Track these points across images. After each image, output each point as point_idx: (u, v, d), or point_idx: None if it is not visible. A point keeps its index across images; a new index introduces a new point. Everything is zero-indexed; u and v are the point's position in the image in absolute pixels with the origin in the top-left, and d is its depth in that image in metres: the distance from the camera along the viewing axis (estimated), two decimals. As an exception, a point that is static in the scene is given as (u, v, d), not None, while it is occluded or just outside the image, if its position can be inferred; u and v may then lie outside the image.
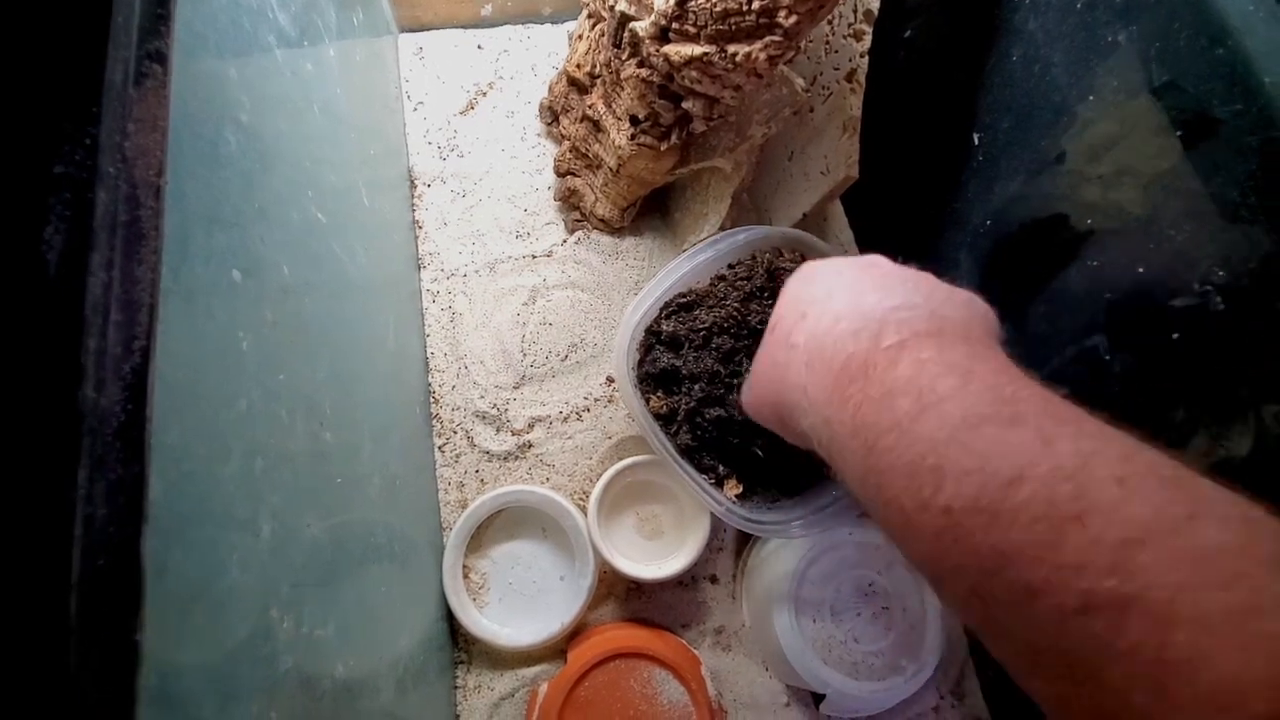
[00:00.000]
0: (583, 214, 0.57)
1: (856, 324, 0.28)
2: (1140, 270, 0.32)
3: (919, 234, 0.51)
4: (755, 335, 0.44)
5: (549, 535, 0.50)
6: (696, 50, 0.41)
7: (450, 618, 0.48)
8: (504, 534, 0.50)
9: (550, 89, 0.58)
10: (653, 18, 0.42)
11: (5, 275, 0.17)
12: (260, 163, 0.28)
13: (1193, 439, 0.32)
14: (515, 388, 0.54)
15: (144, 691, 0.16)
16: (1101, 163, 0.34)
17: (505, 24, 0.63)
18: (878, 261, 0.33)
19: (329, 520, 0.31)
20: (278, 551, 0.25)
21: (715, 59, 0.41)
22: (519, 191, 0.58)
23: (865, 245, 0.57)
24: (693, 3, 0.40)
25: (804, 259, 0.48)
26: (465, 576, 0.49)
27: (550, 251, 0.57)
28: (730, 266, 0.48)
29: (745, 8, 0.38)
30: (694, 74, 0.42)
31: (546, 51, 0.62)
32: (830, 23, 0.49)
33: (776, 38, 0.39)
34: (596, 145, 0.53)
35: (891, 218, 0.54)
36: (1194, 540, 0.18)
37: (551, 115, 0.59)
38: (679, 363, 0.46)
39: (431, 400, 0.54)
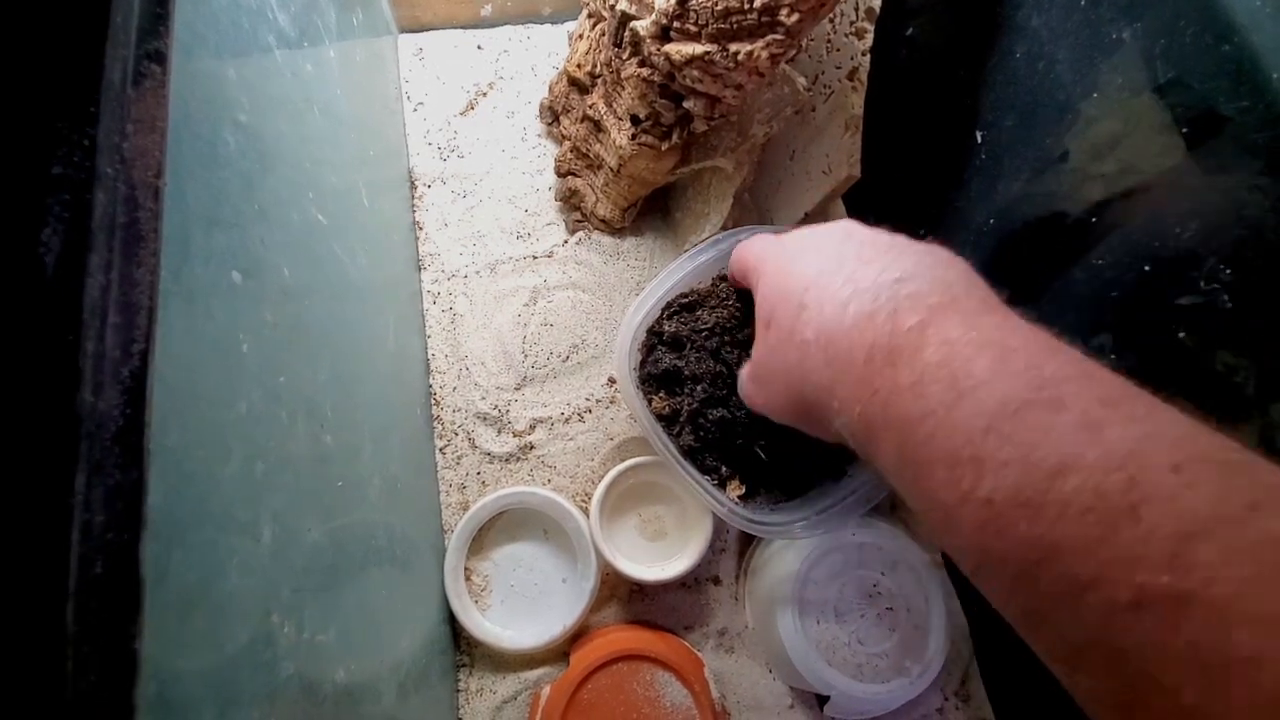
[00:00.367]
0: (584, 214, 0.57)
1: (866, 305, 0.27)
2: (1146, 269, 0.32)
3: (921, 232, 0.50)
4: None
5: (551, 537, 0.50)
6: (698, 49, 0.41)
7: (452, 620, 0.48)
8: (506, 536, 0.50)
9: (550, 89, 0.58)
10: (654, 17, 0.42)
11: (2, 278, 0.16)
12: (260, 164, 0.28)
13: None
14: (516, 389, 0.53)
15: (143, 700, 0.16)
16: (1106, 161, 0.34)
17: (505, 24, 0.63)
18: (851, 229, 0.32)
19: (330, 523, 0.31)
20: (278, 555, 0.25)
21: (717, 58, 0.40)
22: (519, 192, 0.58)
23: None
24: (694, 1, 0.40)
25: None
26: (467, 579, 0.49)
27: (551, 252, 0.57)
28: (732, 266, 0.48)
29: (747, 6, 0.38)
30: (695, 73, 0.42)
31: (546, 52, 0.62)
32: (832, 21, 0.49)
33: (779, 36, 0.39)
34: (597, 145, 0.53)
35: (893, 217, 0.54)
36: (1257, 533, 0.17)
37: (552, 115, 0.59)
38: (681, 363, 0.46)
39: (432, 402, 0.53)
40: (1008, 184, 0.41)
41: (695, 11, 0.40)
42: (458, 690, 0.49)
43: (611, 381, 0.54)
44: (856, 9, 0.47)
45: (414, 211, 0.57)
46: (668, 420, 0.45)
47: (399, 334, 0.48)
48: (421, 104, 0.60)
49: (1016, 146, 0.40)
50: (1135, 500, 0.19)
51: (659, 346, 0.47)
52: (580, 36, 0.55)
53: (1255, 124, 0.26)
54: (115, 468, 0.16)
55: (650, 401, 0.45)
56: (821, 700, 0.47)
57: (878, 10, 0.46)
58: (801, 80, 0.48)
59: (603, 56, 0.50)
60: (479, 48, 0.62)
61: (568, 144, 0.56)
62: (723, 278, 0.47)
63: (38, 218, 0.17)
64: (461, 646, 0.50)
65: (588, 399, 0.53)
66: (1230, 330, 0.29)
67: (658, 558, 0.49)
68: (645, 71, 0.45)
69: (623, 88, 0.48)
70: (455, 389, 0.53)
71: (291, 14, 0.34)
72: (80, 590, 0.15)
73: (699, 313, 0.46)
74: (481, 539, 0.50)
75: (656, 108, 0.47)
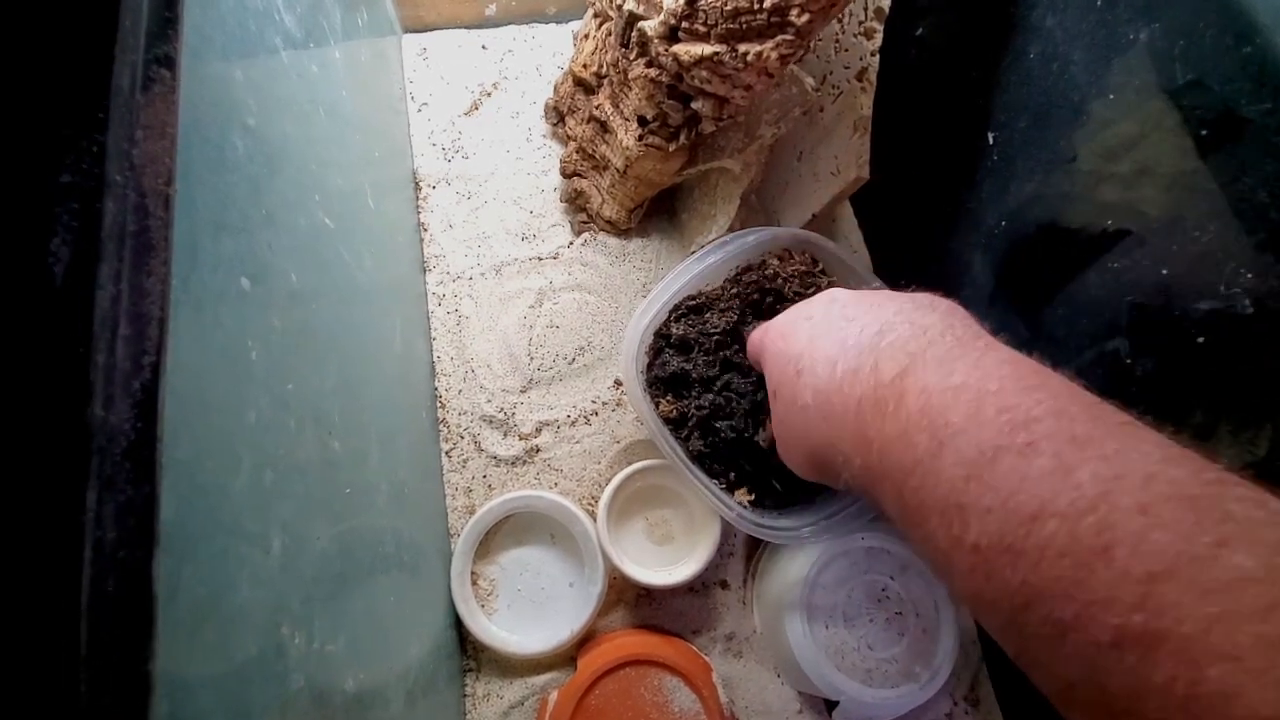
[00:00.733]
0: (589, 215, 0.57)
1: (852, 362, 0.28)
2: (1164, 272, 0.32)
3: (931, 235, 0.50)
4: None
5: (558, 541, 0.50)
6: (707, 50, 0.40)
7: (459, 625, 0.48)
8: (512, 540, 0.50)
9: (556, 89, 0.58)
10: (662, 17, 0.42)
11: (11, 288, 0.16)
12: (267, 167, 0.28)
13: (1211, 442, 0.32)
14: (522, 391, 0.53)
15: (156, 718, 0.16)
16: (1121, 162, 0.34)
17: (510, 24, 0.62)
18: (836, 295, 0.34)
19: (338, 530, 0.31)
20: (288, 566, 0.25)
21: (726, 58, 0.40)
22: (525, 193, 0.58)
23: (875, 246, 0.57)
24: (703, 2, 0.39)
25: (814, 261, 0.47)
26: (473, 583, 0.48)
27: (557, 253, 0.56)
28: (740, 269, 0.47)
29: (757, 6, 0.38)
30: (704, 74, 0.42)
31: (551, 51, 0.62)
32: (841, 21, 0.48)
33: (788, 36, 0.38)
34: (603, 146, 0.53)
35: (903, 219, 0.54)
36: (1223, 570, 0.18)
37: (557, 116, 0.58)
38: (689, 366, 0.45)
39: (438, 405, 0.53)
40: (1020, 185, 0.41)
41: (704, 11, 0.40)
42: (464, 696, 0.48)
43: (618, 384, 0.53)
44: (866, 9, 0.47)
45: (419, 213, 0.57)
46: (675, 423, 0.45)
47: (404, 337, 0.48)
48: (426, 104, 0.60)
49: (1029, 148, 0.40)
50: (1107, 542, 0.19)
51: (666, 349, 0.46)
52: (586, 36, 0.54)
53: (1277, 126, 0.26)
54: (127, 483, 0.16)
55: (658, 405, 0.45)
56: (830, 705, 0.47)
57: (887, 10, 0.46)
58: (810, 81, 0.48)
59: (609, 57, 0.49)
60: (483, 48, 0.62)
61: (573, 145, 0.56)
62: (731, 280, 0.47)
63: (47, 227, 0.16)
64: (468, 651, 0.49)
65: (594, 402, 0.53)
66: (1251, 335, 0.28)
67: (665, 562, 0.49)
68: (653, 72, 0.45)
69: (630, 88, 0.48)
70: (461, 392, 0.53)
71: (297, 15, 0.33)
72: (93, 609, 0.15)
73: (706, 315, 0.46)
74: (488, 543, 0.49)
75: (664, 108, 0.46)
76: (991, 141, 0.43)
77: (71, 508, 0.15)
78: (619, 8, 0.45)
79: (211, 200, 0.23)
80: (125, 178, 0.17)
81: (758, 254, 0.47)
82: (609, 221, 0.56)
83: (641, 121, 0.48)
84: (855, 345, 0.29)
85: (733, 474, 0.44)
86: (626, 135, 0.49)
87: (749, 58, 0.39)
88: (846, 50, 0.48)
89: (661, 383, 0.46)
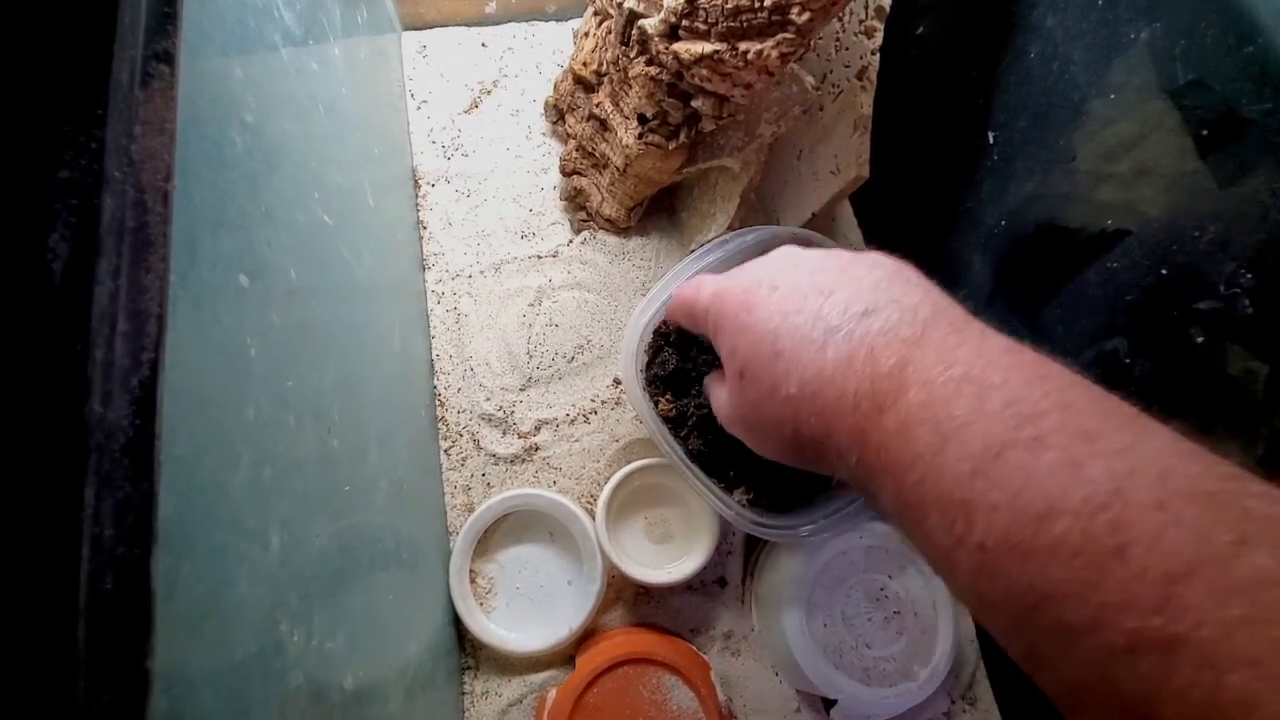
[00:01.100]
0: (589, 214, 0.57)
1: (842, 349, 0.27)
2: (1163, 272, 0.32)
3: (930, 234, 0.50)
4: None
5: (556, 539, 0.50)
6: (707, 48, 0.40)
7: (457, 623, 0.48)
8: (511, 538, 0.50)
9: (556, 87, 0.58)
10: (662, 15, 0.42)
11: (9, 284, 0.16)
12: (266, 164, 0.28)
13: (1209, 442, 0.32)
14: (521, 390, 0.53)
15: (154, 716, 0.16)
16: (1121, 162, 0.34)
17: (510, 21, 0.62)
18: (795, 255, 0.31)
19: (337, 528, 0.31)
20: (287, 563, 0.25)
21: (726, 57, 0.40)
22: (524, 191, 0.58)
23: (875, 245, 0.57)
24: (703, 0, 0.39)
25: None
26: (472, 581, 0.48)
27: (556, 252, 0.56)
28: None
29: (758, 5, 0.38)
30: (704, 72, 0.42)
31: (551, 49, 0.62)
32: (841, 19, 0.48)
33: (789, 35, 0.38)
34: (603, 144, 0.53)
35: (902, 217, 0.54)
36: (1244, 570, 0.17)
37: (557, 114, 0.58)
38: (688, 365, 0.45)
39: (437, 403, 0.53)
40: (1020, 185, 0.41)
41: (705, 10, 0.40)
42: (463, 693, 0.48)
43: (617, 383, 0.53)
44: (866, 7, 0.47)
45: (418, 210, 0.57)
46: (674, 422, 0.45)
47: (404, 335, 0.48)
48: (425, 102, 0.60)
49: (1029, 147, 0.40)
50: (1122, 541, 0.18)
51: (665, 348, 0.46)
52: (586, 34, 0.54)
53: (1278, 126, 0.26)
54: (125, 480, 0.16)
55: (657, 403, 0.45)
56: (828, 704, 0.47)
57: (888, 9, 0.46)
58: (810, 79, 0.48)
59: (609, 55, 0.49)
60: (483, 45, 0.62)
61: (573, 143, 0.56)
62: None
63: (45, 222, 0.16)
64: (466, 649, 0.49)
65: (593, 400, 0.53)
66: (1250, 335, 0.28)
67: (664, 560, 0.49)
68: (653, 70, 0.45)
69: (630, 86, 0.47)
70: (460, 390, 0.53)
71: (297, 11, 0.33)
72: (91, 607, 0.15)
73: (706, 314, 0.46)
74: (487, 541, 0.49)
75: (664, 107, 0.46)
76: (991, 141, 0.43)
77: (70, 504, 0.15)
78: (619, 5, 0.45)
79: (210, 197, 0.23)
80: (124, 174, 0.17)
81: (757, 253, 0.47)
82: (608, 220, 0.56)
83: (641, 120, 0.48)
84: (841, 327, 0.27)
85: (732, 472, 0.44)
86: (626, 133, 0.49)
87: (749, 56, 0.39)
88: (847, 49, 0.48)
89: (661, 381, 0.46)
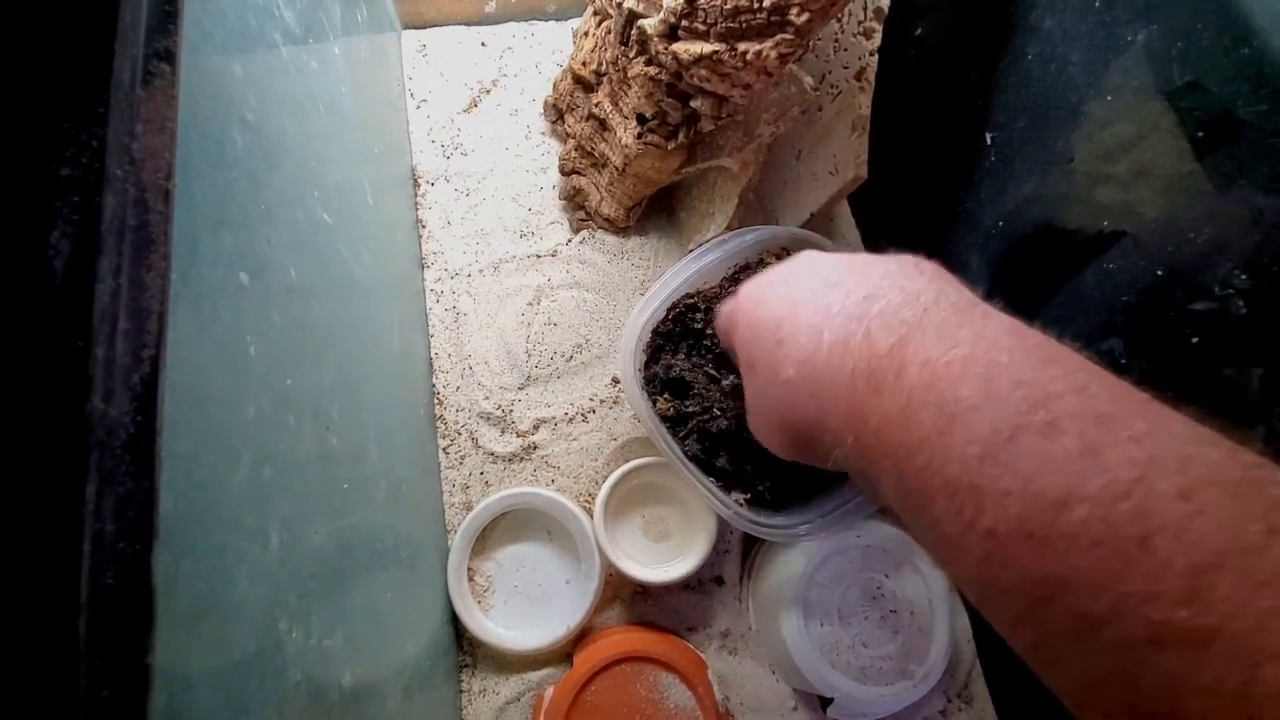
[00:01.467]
0: (588, 213, 0.57)
1: (840, 331, 0.26)
2: (1159, 273, 0.32)
3: (929, 235, 0.50)
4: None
5: (554, 538, 0.50)
6: (706, 48, 0.40)
7: (455, 621, 0.48)
8: (509, 537, 0.50)
9: (555, 87, 0.58)
10: (661, 15, 0.42)
11: (11, 282, 0.16)
12: (266, 162, 0.28)
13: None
14: (520, 389, 0.53)
15: (155, 712, 0.16)
16: (1119, 163, 0.34)
17: (509, 21, 0.62)
18: (813, 258, 0.31)
19: (336, 526, 0.31)
20: (286, 561, 0.25)
21: (725, 57, 0.40)
22: (523, 190, 0.58)
23: (873, 246, 0.57)
24: (703, 0, 0.39)
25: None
26: (470, 579, 0.48)
27: (555, 251, 0.56)
28: (738, 268, 0.47)
29: (756, 5, 0.38)
30: (703, 72, 0.42)
31: (551, 49, 0.62)
32: (840, 20, 0.48)
33: (788, 35, 0.39)
34: (602, 144, 0.53)
35: (901, 218, 0.54)
36: (1275, 561, 0.17)
37: (556, 113, 0.58)
38: (686, 365, 0.45)
39: (436, 402, 0.53)
40: (1018, 186, 0.41)
41: (704, 10, 0.40)
42: (461, 691, 0.48)
43: (615, 381, 0.54)
44: (865, 9, 0.47)
45: (417, 209, 0.57)
46: (673, 421, 0.45)
47: (403, 333, 0.48)
48: (425, 101, 0.60)
49: (1027, 148, 0.40)
50: (1145, 531, 0.18)
51: (664, 347, 0.46)
52: (585, 34, 0.54)
53: (1275, 128, 0.26)
54: (126, 476, 0.16)
55: (655, 402, 0.45)
56: (825, 702, 0.47)
57: (886, 10, 0.46)
58: (809, 80, 0.48)
59: (609, 54, 0.49)
60: (483, 44, 0.62)
61: (572, 142, 0.56)
62: (730, 279, 0.47)
63: (46, 221, 0.16)
64: (464, 647, 0.49)
65: (591, 399, 0.53)
66: (1244, 336, 0.28)
67: (661, 559, 0.49)
68: (652, 70, 0.45)
69: (629, 86, 0.48)
70: (459, 389, 0.53)
71: (297, 10, 0.33)
72: (92, 602, 0.15)
73: (704, 314, 0.46)
74: (485, 539, 0.49)
75: (663, 107, 0.46)
76: (989, 142, 0.43)
77: (71, 501, 0.15)
78: (619, 5, 0.45)
79: (211, 195, 0.23)
80: (125, 172, 0.17)
81: (756, 253, 0.47)
82: (607, 219, 0.56)
83: (640, 119, 0.48)
84: (842, 312, 0.26)
85: (729, 471, 0.44)
86: (625, 133, 0.49)
87: (748, 57, 0.39)
88: (845, 50, 0.48)
89: (659, 381, 0.46)
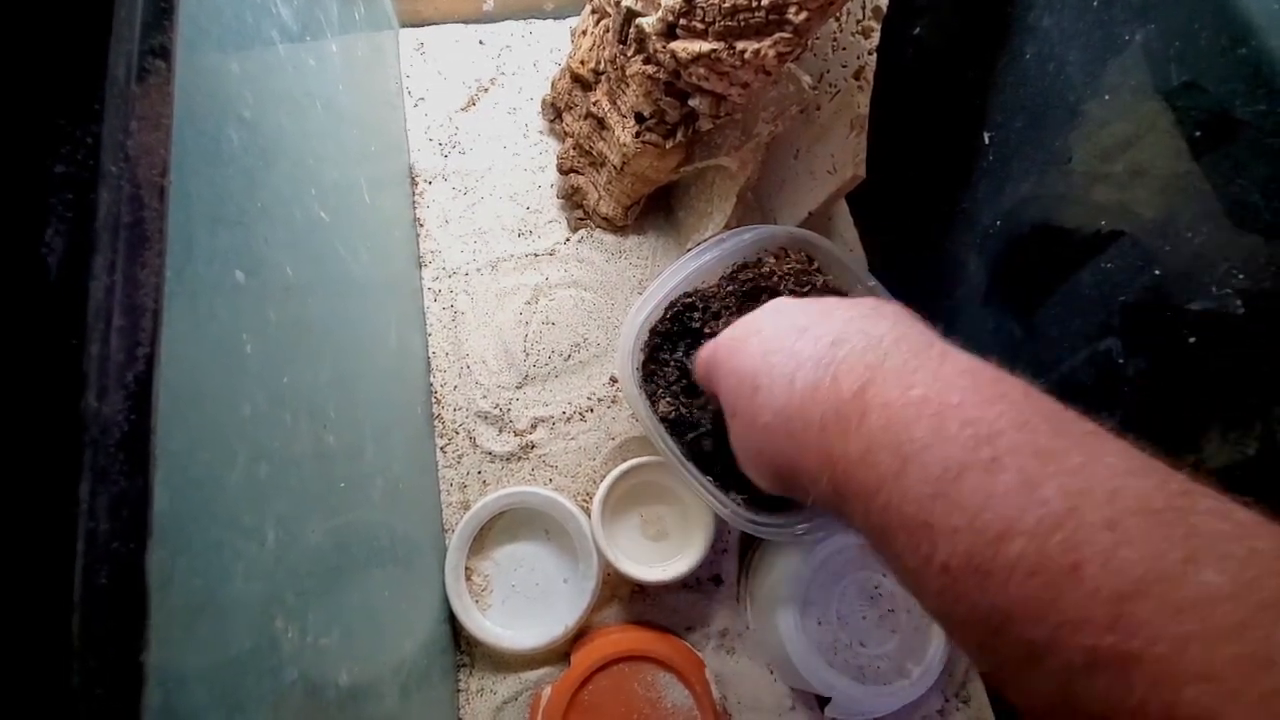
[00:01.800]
0: (586, 212, 0.57)
1: (810, 377, 0.27)
2: (1156, 272, 0.32)
3: (927, 234, 0.50)
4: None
5: (552, 537, 0.50)
6: (704, 47, 0.40)
7: (453, 620, 0.48)
8: (507, 536, 0.50)
9: (553, 85, 0.58)
10: (660, 14, 0.42)
11: (5, 279, 0.16)
12: (263, 160, 0.28)
13: (1201, 441, 0.32)
14: (518, 388, 0.53)
15: (149, 711, 0.16)
16: (1116, 163, 0.34)
17: (507, 19, 0.62)
18: (781, 305, 0.33)
19: (332, 525, 0.31)
20: (282, 559, 0.25)
21: (723, 56, 0.40)
22: (521, 189, 0.58)
23: (871, 245, 0.57)
24: (701, -1, 0.39)
25: (810, 260, 0.47)
26: (468, 579, 0.48)
27: (553, 250, 0.56)
28: (736, 267, 0.47)
29: (755, 4, 0.38)
30: (701, 71, 0.42)
31: (549, 47, 0.62)
32: (838, 20, 0.48)
33: (786, 34, 0.38)
34: (600, 142, 0.53)
35: (899, 218, 0.54)
36: (1193, 588, 0.17)
37: (554, 112, 0.58)
38: (685, 364, 0.45)
39: (433, 400, 0.53)
40: (1015, 185, 0.41)
41: (702, 9, 0.40)
42: (458, 690, 0.48)
43: (613, 381, 0.53)
44: (864, 8, 0.47)
45: (415, 208, 0.57)
46: (671, 421, 0.45)
47: (400, 332, 0.48)
48: (422, 99, 0.60)
49: (1025, 148, 0.40)
50: (1075, 561, 0.19)
51: (663, 347, 0.46)
52: (584, 32, 0.54)
53: (1271, 128, 0.26)
54: (120, 474, 0.16)
55: (653, 402, 0.45)
56: (822, 702, 0.47)
57: (885, 9, 0.46)
58: (807, 79, 0.48)
59: (607, 53, 0.49)
60: (481, 43, 0.62)
61: (570, 141, 0.56)
62: (727, 278, 0.47)
63: (40, 218, 0.16)
64: (462, 647, 0.49)
65: (589, 398, 0.53)
66: (1242, 336, 0.28)
67: (659, 558, 0.49)
68: (650, 69, 0.45)
69: (627, 85, 0.47)
70: (456, 387, 0.53)
71: (294, 7, 0.33)
72: (85, 601, 0.15)
73: (703, 313, 0.46)
74: (482, 539, 0.49)
75: (661, 105, 0.46)
76: (988, 141, 0.43)
77: (64, 499, 0.15)
78: (617, 4, 0.45)
79: (207, 193, 0.23)
80: (120, 169, 0.17)
81: (754, 252, 0.47)
82: (605, 218, 0.56)
83: (639, 118, 0.48)
84: (811, 357, 0.28)
85: (727, 471, 0.44)
86: (624, 132, 0.49)
87: (746, 55, 0.39)
88: (844, 49, 0.48)
89: (657, 380, 0.46)
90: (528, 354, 0.54)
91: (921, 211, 0.50)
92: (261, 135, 0.28)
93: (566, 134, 0.56)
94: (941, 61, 0.47)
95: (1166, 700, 0.17)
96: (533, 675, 0.48)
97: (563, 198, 0.58)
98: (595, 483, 0.51)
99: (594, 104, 0.52)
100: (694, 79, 0.43)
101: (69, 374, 0.16)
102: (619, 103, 0.49)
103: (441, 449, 0.52)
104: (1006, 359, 0.25)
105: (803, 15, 0.37)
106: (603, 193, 0.55)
